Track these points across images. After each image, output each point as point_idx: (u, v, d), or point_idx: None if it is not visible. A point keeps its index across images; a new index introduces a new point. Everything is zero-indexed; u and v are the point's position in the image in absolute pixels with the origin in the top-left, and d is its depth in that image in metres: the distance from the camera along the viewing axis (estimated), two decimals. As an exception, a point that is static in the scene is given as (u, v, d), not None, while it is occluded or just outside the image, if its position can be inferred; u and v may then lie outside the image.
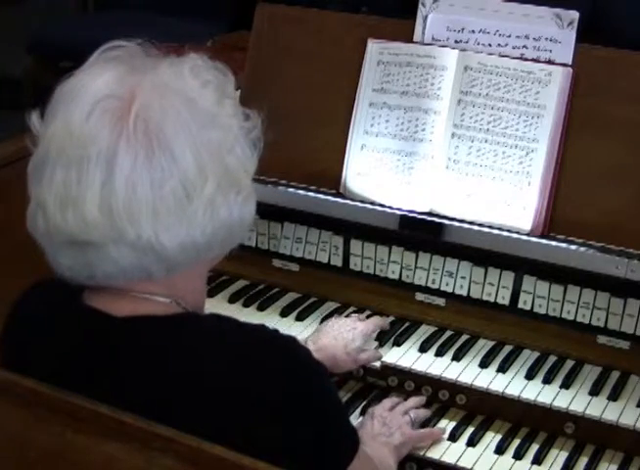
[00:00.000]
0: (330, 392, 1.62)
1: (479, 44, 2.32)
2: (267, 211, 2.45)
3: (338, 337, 2.18)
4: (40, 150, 1.53)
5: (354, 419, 2.12)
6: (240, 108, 1.59)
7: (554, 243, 2.19)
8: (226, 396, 1.48)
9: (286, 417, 1.50)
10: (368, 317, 2.33)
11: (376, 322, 2.29)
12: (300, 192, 2.40)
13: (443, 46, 2.33)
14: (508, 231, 2.23)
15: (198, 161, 1.48)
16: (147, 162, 1.45)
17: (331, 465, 1.58)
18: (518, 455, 2.03)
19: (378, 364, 2.21)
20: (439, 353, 2.23)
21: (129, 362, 1.52)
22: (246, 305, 2.42)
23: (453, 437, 2.08)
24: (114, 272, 1.51)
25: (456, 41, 2.34)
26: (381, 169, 2.35)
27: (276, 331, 1.62)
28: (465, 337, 2.30)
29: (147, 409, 1.47)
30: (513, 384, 2.14)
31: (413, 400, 2.14)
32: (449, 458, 2.03)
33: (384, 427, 2.01)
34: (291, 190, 2.40)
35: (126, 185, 1.45)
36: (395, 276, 2.38)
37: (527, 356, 2.23)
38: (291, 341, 1.58)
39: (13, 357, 1.64)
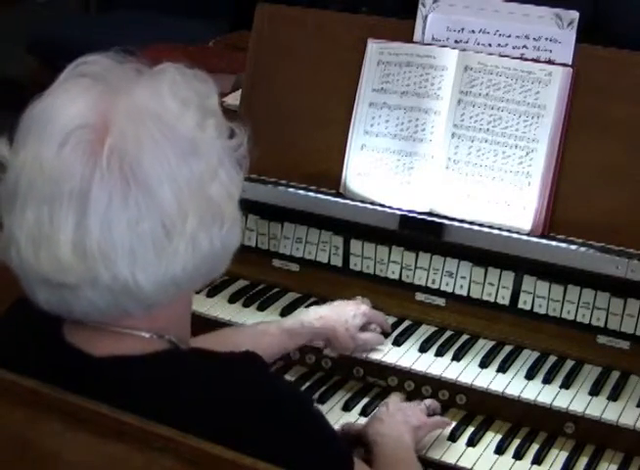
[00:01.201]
0: (317, 418, 1.59)
1: (479, 44, 2.32)
2: (267, 211, 2.45)
3: (340, 313, 2.21)
4: (10, 179, 1.44)
5: (354, 419, 2.12)
6: (224, 124, 1.50)
7: (554, 243, 2.19)
8: (209, 436, 1.44)
9: (276, 452, 1.47)
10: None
11: (380, 316, 2.30)
12: (300, 192, 2.40)
13: (443, 46, 2.33)
14: (508, 231, 2.23)
15: (177, 196, 1.39)
16: (122, 200, 1.37)
17: None
18: (518, 455, 2.03)
19: (377, 360, 2.22)
20: (439, 353, 2.23)
21: (109, 404, 1.48)
22: (246, 305, 2.42)
23: (453, 437, 2.08)
24: (91, 311, 1.45)
25: (456, 41, 2.34)
26: (381, 169, 2.35)
27: (260, 365, 1.57)
28: (465, 337, 2.30)
29: None
30: (513, 384, 2.14)
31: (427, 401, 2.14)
32: (449, 458, 2.03)
33: (399, 411, 2.01)
34: (291, 190, 2.40)
35: (101, 225, 1.37)
36: (395, 276, 2.38)
37: (527, 356, 2.23)
38: (272, 375, 1.57)
39: None
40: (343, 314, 2.21)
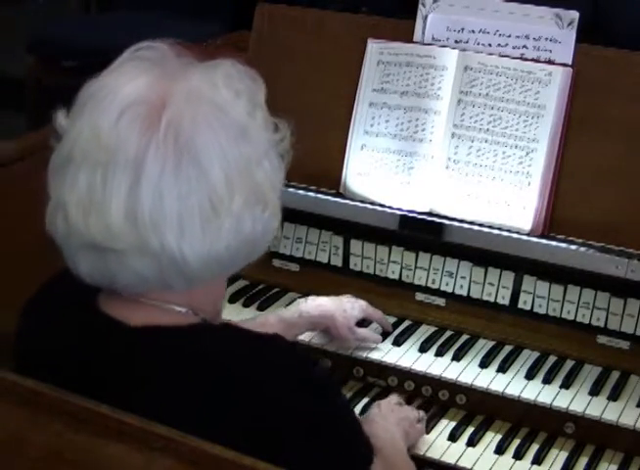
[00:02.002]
0: (344, 405, 1.60)
1: (479, 44, 2.32)
2: (267, 211, 2.45)
3: (338, 303, 2.23)
4: (63, 149, 1.48)
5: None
6: (270, 119, 1.56)
7: (554, 243, 2.19)
8: (236, 409, 1.46)
9: (299, 431, 1.48)
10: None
11: (378, 313, 2.30)
12: (300, 192, 2.40)
13: (443, 46, 2.33)
14: (508, 231, 2.23)
15: (227, 175, 1.44)
16: (175, 172, 1.42)
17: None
18: (518, 455, 2.03)
19: (377, 360, 2.22)
20: (439, 353, 2.23)
21: (142, 372, 1.50)
22: (246, 305, 2.42)
23: (453, 437, 2.08)
24: (135, 281, 1.48)
25: (456, 41, 2.34)
26: (381, 169, 2.35)
27: (290, 345, 1.59)
28: (465, 337, 2.30)
29: (156, 418, 1.46)
30: (513, 384, 2.14)
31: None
32: (449, 458, 2.03)
33: (392, 413, 2.01)
34: (291, 190, 2.40)
35: (153, 194, 1.41)
36: (395, 276, 2.38)
37: (527, 356, 2.23)
38: (303, 356, 1.57)
39: (25, 359, 1.63)
40: (342, 305, 2.23)
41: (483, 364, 2.19)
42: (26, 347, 1.65)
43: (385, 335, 2.29)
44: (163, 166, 1.41)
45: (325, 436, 1.52)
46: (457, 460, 2.02)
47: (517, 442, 2.08)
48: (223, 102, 1.48)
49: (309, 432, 1.50)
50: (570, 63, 2.24)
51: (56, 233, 1.50)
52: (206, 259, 1.46)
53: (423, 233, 2.31)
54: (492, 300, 2.30)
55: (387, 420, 1.97)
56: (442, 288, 2.34)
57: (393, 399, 2.09)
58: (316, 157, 2.41)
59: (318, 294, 2.42)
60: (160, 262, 1.45)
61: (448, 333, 2.32)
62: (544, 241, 2.20)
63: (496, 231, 2.24)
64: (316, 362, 1.62)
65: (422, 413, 2.08)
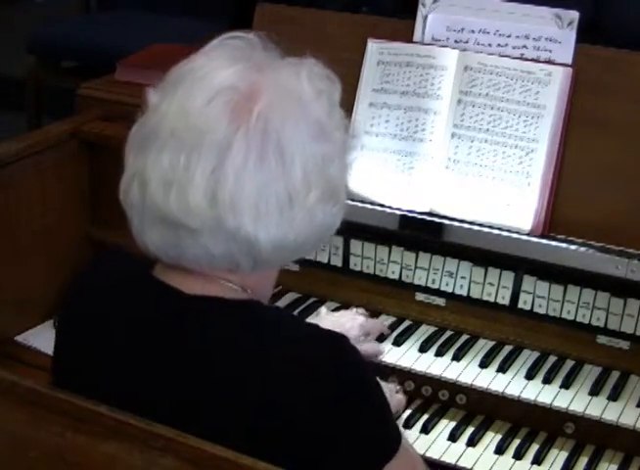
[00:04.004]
0: (377, 391, 1.60)
1: (479, 44, 2.32)
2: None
3: (335, 323, 2.20)
4: (150, 122, 1.52)
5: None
6: (344, 119, 1.61)
7: (554, 243, 2.19)
8: (280, 383, 1.48)
9: (332, 413, 1.49)
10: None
11: (377, 325, 2.30)
12: (300, 192, 2.40)
13: (443, 46, 2.33)
14: (508, 231, 2.23)
15: (305, 170, 1.50)
16: (258, 161, 1.46)
17: (370, 461, 1.56)
18: (518, 455, 2.03)
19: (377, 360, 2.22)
20: (439, 353, 2.23)
21: (196, 340, 1.52)
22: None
23: (453, 437, 2.08)
24: (204, 259, 1.52)
25: (456, 41, 2.34)
26: (381, 169, 2.35)
27: (330, 330, 1.60)
28: (465, 337, 2.30)
29: (207, 386, 1.49)
30: (513, 384, 2.14)
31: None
32: (449, 458, 2.03)
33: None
34: (291, 190, 2.40)
35: (235, 177, 1.45)
36: (395, 276, 2.38)
37: (527, 356, 2.23)
38: (345, 340, 1.57)
39: (72, 326, 1.65)
40: (339, 325, 2.19)
41: (483, 364, 2.19)
42: (74, 312, 1.66)
43: (383, 337, 2.29)
44: (248, 154, 1.46)
45: (357, 414, 1.51)
46: (457, 460, 2.02)
47: (517, 442, 2.08)
48: (308, 99, 1.54)
49: (343, 408, 1.49)
50: (570, 63, 2.24)
51: (128, 203, 1.54)
52: (278, 246, 1.51)
53: (423, 233, 2.31)
54: (492, 300, 2.30)
55: None
56: (442, 288, 2.34)
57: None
58: (316, 157, 2.41)
59: (319, 294, 2.43)
60: (234, 243, 1.49)
61: (448, 333, 2.32)
62: (544, 241, 2.20)
63: (496, 231, 2.23)
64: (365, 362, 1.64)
65: (397, 385, 2.11)
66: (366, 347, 2.22)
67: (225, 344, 1.52)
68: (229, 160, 1.46)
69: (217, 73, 1.51)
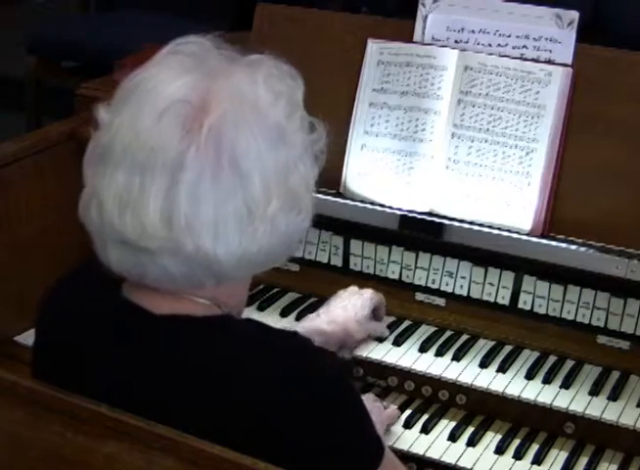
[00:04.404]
0: (353, 401, 1.58)
1: (479, 44, 2.32)
2: (267, 212, 2.45)
3: (347, 306, 2.22)
4: (103, 140, 1.48)
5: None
6: (307, 118, 1.56)
7: (554, 243, 2.19)
8: (252, 399, 1.47)
9: (310, 424, 1.48)
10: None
11: (383, 299, 2.31)
12: (300, 192, 2.40)
13: (443, 46, 2.33)
14: (508, 231, 2.23)
15: (264, 181, 1.45)
16: (213, 177, 1.42)
17: None
18: (518, 455, 2.03)
19: (377, 360, 2.22)
20: (439, 353, 2.23)
21: (165, 360, 1.51)
22: (246, 305, 2.41)
23: (453, 437, 2.08)
24: (164, 279, 1.48)
25: (456, 41, 2.34)
26: (381, 169, 2.35)
27: (306, 340, 1.59)
28: (465, 337, 2.30)
29: (177, 406, 1.48)
30: (513, 384, 2.14)
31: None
32: (449, 458, 2.03)
33: None
34: (291, 190, 2.40)
35: (190, 198, 1.41)
36: (395, 276, 2.38)
37: (527, 356, 2.23)
38: (319, 352, 1.58)
39: (45, 346, 1.64)
40: (351, 307, 2.22)
41: (483, 364, 2.19)
42: (45, 336, 1.64)
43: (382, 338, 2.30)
44: (202, 171, 1.41)
45: (335, 425, 1.50)
46: (457, 460, 2.02)
47: (517, 442, 2.08)
48: (263, 105, 1.48)
49: (320, 420, 1.49)
50: (570, 63, 2.24)
51: (89, 223, 1.50)
52: (239, 260, 1.48)
53: (423, 233, 2.31)
54: (492, 300, 2.30)
55: None
56: (442, 288, 2.34)
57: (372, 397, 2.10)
58: (316, 157, 2.41)
59: (319, 294, 2.43)
60: (193, 263, 1.46)
61: (448, 333, 2.32)
62: (544, 241, 2.20)
63: (496, 231, 2.23)
64: (342, 364, 1.62)
65: (384, 402, 2.10)
66: (373, 326, 2.23)
67: (195, 366, 1.49)
68: (182, 179, 1.41)
69: (167, 86, 1.45)
